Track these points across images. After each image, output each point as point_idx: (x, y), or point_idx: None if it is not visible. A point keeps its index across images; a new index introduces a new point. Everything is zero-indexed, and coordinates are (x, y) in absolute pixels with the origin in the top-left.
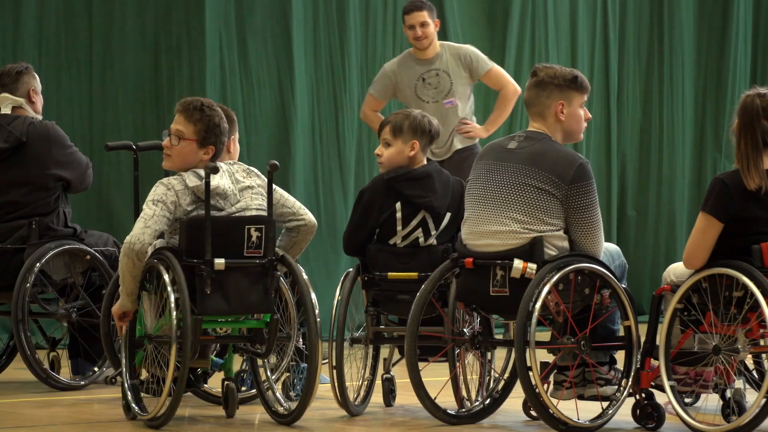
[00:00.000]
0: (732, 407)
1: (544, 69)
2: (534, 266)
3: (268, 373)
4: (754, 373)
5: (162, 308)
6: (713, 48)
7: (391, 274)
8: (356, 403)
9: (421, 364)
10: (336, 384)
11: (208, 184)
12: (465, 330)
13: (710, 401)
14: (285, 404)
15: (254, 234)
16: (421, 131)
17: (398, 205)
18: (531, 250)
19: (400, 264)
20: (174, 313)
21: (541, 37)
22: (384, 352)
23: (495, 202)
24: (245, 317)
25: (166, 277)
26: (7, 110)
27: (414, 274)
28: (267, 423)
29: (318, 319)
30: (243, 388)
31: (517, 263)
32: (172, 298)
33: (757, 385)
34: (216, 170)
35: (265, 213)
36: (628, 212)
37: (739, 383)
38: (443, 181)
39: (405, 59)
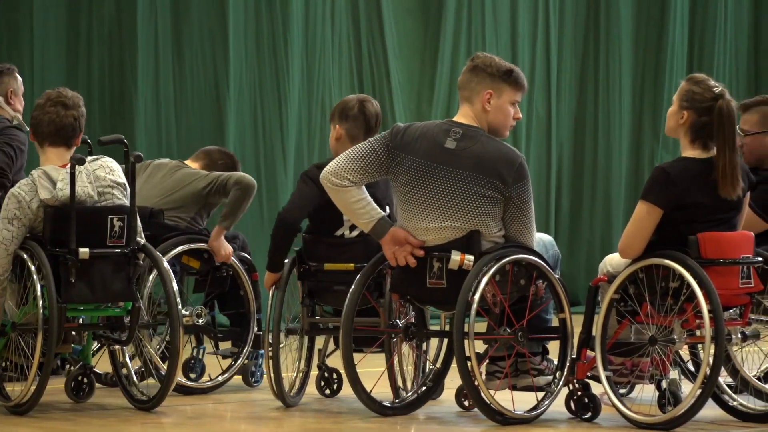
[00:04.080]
0: (668, 398)
1: (483, 56)
2: (471, 258)
3: (127, 359)
4: (690, 364)
5: (25, 297)
6: (651, 37)
7: (327, 265)
8: (292, 394)
9: (357, 355)
10: (272, 375)
11: (73, 174)
12: (399, 321)
13: (646, 392)
14: (144, 391)
15: (117, 224)
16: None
17: None
18: (468, 242)
19: (336, 255)
20: (40, 302)
21: (478, 29)
22: (319, 342)
23: (436, 208)
24: (106, 305)
25: (31, 266)
26: None
27: (350, 265)
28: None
29: (180, 307)
30: (192, 375)
31: (455, 255)
32: (38, 286)
33: (692, 376)
34: (82, 161)
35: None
36: (564, 202)
37: (674, 374)
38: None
39: None
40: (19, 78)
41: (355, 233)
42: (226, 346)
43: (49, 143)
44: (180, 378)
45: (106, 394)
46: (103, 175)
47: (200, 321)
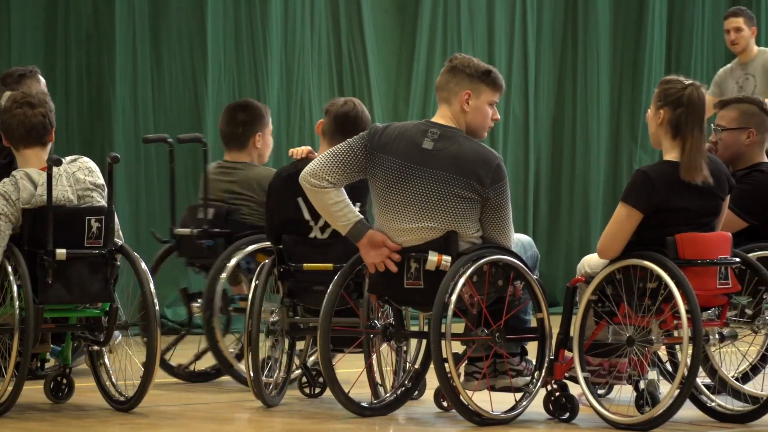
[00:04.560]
0: (645, 398)
1: (461, 57)
2: (449, 258)
3: (106, 361)
4: (668, 364)
5: (2, 297)
6: (629, 38)
7: (307, 265)
8: (272, 394)
9: (337, 355)
10: (252, 375)
11: (50, 175)
12: (377, 322)
13: (624, 392)
14: (123, 393)
15: (94, 225)
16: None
17: (300, 200)
18: (446, 243)
19: (316, 255)
20: (16, 302)
21: (453, 29)
22: (300, 343)
23: (414, 208)
24: (84, 306)
25: (8, 266)
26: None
27: (329, 266)
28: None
29: (156, 308)
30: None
31: (432, 256)
32: (14, 287)
33: (670, 376)
34: (59, 162)
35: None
36: (542, 203)
37: (652, 374)
38: None
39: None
40: (42, 80)
41: (326, 234)
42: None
43: (23, 145)
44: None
45: (84, 396)
46: (83, 177)
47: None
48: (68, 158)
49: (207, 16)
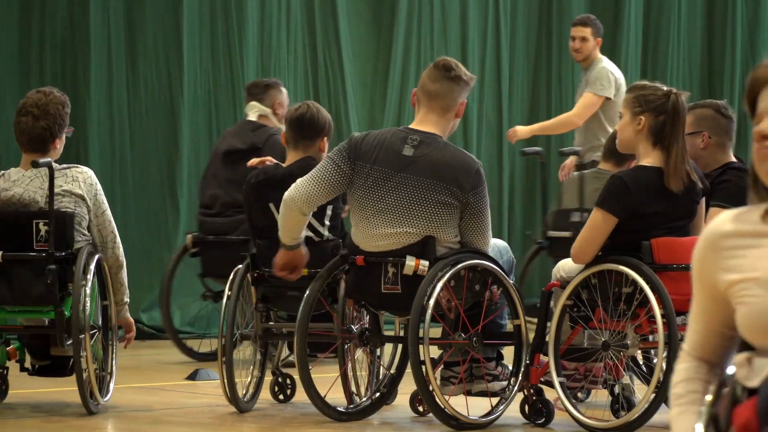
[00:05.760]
0: (621, 403)
1: (455, 63)
2: (426, 263)
3: (90, 364)
4: (643, 368)
5: None
6: (604, 44)
7: None
8: (245, 399)
9: (312, 361)
10: (225, 380)
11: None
12: (353, 327)
13: (599, 397)
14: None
15: (43, 228)
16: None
17: (272, 206)
18: (423, 248)
19: None
20: None
21: (426, 35)
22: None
23: (393, 214)
24: (30, 309)
25: None
26: (253, 117)
27: (304, 271)
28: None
29: (84, 314)
30: None
31: (410, 260)
32: None
33: (646, 381)
34: (36, 165)
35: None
36: (517, 208)
37: (627, 379)
38: None
39: None
40: (284, 90)
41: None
42: None
43: (24, 150)
44: None
45: (64, 396)
46: (60, 183)
47: None
48: (63, 165)
49: (183, 21)
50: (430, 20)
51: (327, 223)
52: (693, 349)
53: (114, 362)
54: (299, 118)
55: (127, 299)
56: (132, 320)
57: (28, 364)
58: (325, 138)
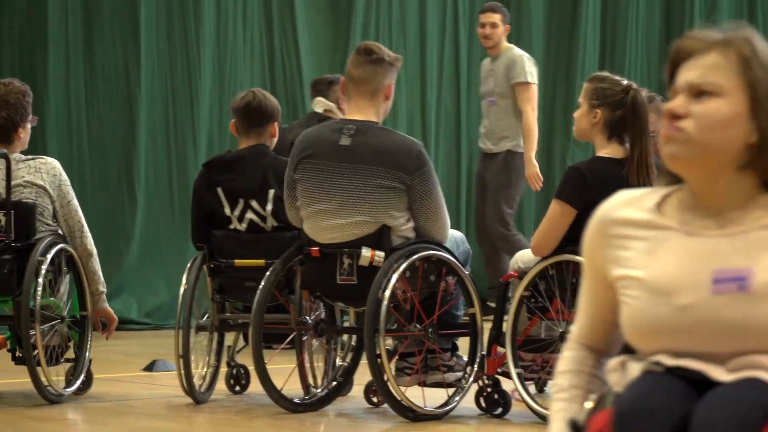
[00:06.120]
0: None
1: (377, 46)
2: (382, 254)
3: (40, 351)
4: None
5: None
6: (563, 36)
7: (238, 262)
8: (201, 390)
9: (269, 352)
10: (182, 371)
11: None
12: (309, 318)
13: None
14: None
15: (2, 218)
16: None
17: (219, 190)
18: (378, 239)
19: (245, 251)
20: None
21: (385, 25)
22: (229, 339)
23: (340, 205)
24: None
25: None
26: (319, 110)
27: (260, 262)
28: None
29: (34, 302)
30: None
31: (365, 251)
32: None
33: None
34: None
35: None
36: (474, 199)
37: None
38: (259, 163)
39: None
40: None
41: (244, 225)
42: None
43: None
44: None
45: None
46: (23, 174)
47: None
48: (27, 156)
49: (140, 13)
50: (389, 10)
51: (269, 207)
52: (581, 335)
53: (87, 353)
54: (246, 106)
55: (102, 289)
56: (111, 310)
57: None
58: (275, 123)
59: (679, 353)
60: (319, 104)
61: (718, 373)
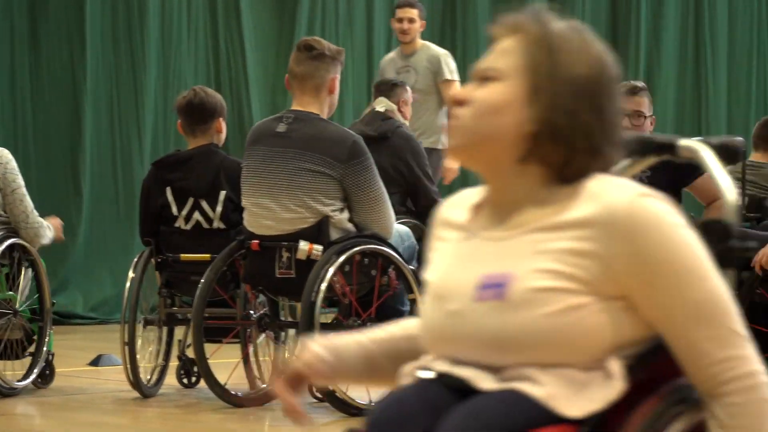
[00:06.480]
0: None
1: (316, 41)
2: (320, 248)
3: None
4: None
5: None
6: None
7: (184, 256)
8: (149, 384)
9: (214, 346)
10: (128, 365)
11: None
12: (252, 312)
13: None
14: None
15: None
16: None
17: (168, 189)
18: (318, 232)
19: (192, 246)
20: None
21: (331, 20)
22: (178, 333)
23: (273, 190)
24: None
25: None
26: (381, 110)
27: (206, 256)
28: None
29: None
30: None
31: (303, 245)
32: None
33: None
34: None
35: None
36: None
37: None
38: (210, 163)
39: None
40: (409, 90)
41: (190, 225)
42: None
43: None
44: None
45: None
46: None
47: None
48: None
49: (86, 7)
50: (335, 5)
51: (219, 209)
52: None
53: (45, 347)
54: (188, 104)
55: (50, 233)
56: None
57: None
58: (220, 119)
59: (460, 361)
60: (381, 103)
61: (486, 383)
